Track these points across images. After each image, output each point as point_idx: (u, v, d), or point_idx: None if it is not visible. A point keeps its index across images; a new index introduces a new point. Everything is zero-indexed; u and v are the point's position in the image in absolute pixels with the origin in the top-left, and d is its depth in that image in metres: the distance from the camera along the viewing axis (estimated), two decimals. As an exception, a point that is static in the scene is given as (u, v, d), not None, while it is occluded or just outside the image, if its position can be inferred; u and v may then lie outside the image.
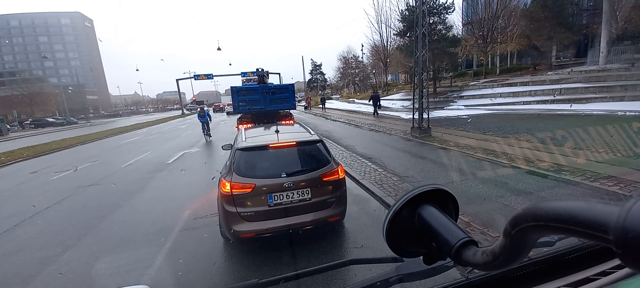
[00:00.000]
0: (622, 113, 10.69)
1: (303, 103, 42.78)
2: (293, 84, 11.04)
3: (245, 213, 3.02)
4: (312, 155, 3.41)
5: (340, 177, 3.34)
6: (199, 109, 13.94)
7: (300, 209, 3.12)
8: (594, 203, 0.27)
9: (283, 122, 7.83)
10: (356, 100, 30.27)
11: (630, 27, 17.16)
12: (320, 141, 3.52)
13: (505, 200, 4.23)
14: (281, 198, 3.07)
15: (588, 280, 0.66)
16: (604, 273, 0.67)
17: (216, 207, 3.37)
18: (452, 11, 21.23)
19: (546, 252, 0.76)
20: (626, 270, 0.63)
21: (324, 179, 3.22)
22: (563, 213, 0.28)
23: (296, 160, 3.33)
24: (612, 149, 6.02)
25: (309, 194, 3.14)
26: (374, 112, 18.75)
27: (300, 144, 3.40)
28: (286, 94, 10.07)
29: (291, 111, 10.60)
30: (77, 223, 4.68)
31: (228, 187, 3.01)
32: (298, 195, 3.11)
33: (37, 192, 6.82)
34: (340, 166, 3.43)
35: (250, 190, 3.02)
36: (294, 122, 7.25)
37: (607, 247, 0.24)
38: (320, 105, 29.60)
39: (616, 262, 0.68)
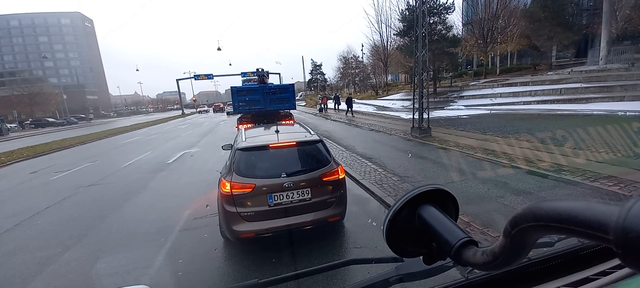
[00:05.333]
0: (623, 113, 10.68)
1: (302, 103, 42.32)
2: (293, 84, 11.00)
3: (245, 213, 3.02)
4: (312, 155, 3.41)
5: (340, 177, 3.34)
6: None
7: (300, 209, 3.12)
8: (594, 203, 0.27)
9: (283, 122, 7.83)
10: (356, 101, 30.04)
11: (630, 27, 17.18)
12: (320, 141, 3.52)
13: (505, 200, 4.23)
14: (281, 198, 3.07)
15: (588, 280, 0.66)
16: (604, 273, 0.67)
17: (216, 206, 3.38)
18: (452, 11, 21.23)
19: (546, 252, 0.76)
20: (626, 270, 0.63)
21: (324, 179, 3.22)
22: (563, 214, 0.28)
23: (296, 160, 3.33)
24: (612, 149, 6.02)
25: (309, 194, 3.14)
26: (334, 108, 24.61)
27: (300, 143, 3.40)
28: (286, 94, 10.03)
29: (292, 112, 10.60)
30: (77, 223, 4.68)
31: (228, 187, 3.01)
32: (298, 195, 3.11)
33: (37, 192, 6.83)
34: (340, 166, 3.43)
35: (250, 190, 3.02)
36: (294, 122, 7.24)
37: (607, 247, 0.24)
38: (338, 107, 23.62)
39: (616, 262, 0.68)
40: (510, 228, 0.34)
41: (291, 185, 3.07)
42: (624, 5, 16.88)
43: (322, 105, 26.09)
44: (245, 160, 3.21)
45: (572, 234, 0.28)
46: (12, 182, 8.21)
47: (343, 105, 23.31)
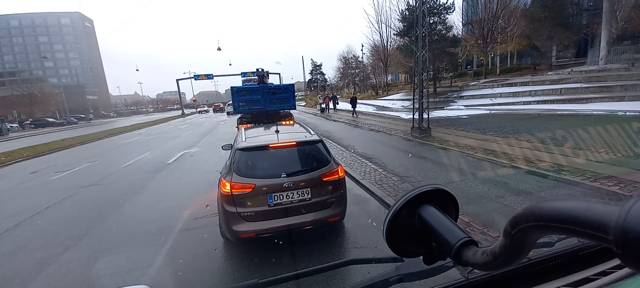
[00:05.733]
0: (622, 113, 10.69)
1: (302, 103, 42.16)
2: (293, 84, 11.02)
3: (245, 213, 3.02)
4: (312, 155, 3.41)
5: (340, 177, 3.34)
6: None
7: (300, 209, 3.12)
8: (594, 203, 0.27)
9: (283, 122, 7.83)
10: (357, 100, 29.91)
11: (630, 27, 17.18)
12: (320, 141, 3.52)
13: (505, 200, 4.23)
14: (281, 198, 3.07)
15: (588, 280, 0.66)
16: (604, 273, 0.67)
17: (216, 206, 3.38)
18: (452, 11, 21.29)
19: (546, 252, 0.76)
20: (626, 270, 0.63)
21: (323, 179, 3.22)
22: (563, 213, 0.28)
23: (296, 160, 3.33)
24: (612, 149, 6.02)
25: (309, 194, 3.14)
26: (333, 108, 24.84)
27: (300, 144, 3.40)
28: (286, 94, 10.07)
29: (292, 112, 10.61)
30: (77, 223, 4.68)
31: (228, 187, 3.01)
32: (298, 195, 3.11)
33: (38, 192, 6.83)
34: (340, 166, 3.43)
35: (250, 190, 3.02)
36: (294, 122, 7.26)
37: (607, 247, 0.24)
38: (336, 107, 23.93)
39: (616, 262, 0.68)
40: (510, 228, 0.34)
41: (291, 185, 3.07)
42: (624, 5, 16.88)
43: (325, 105, 25.09)
44: (245, 160, 3.21)
45: (572, 234, 0.28)
46: (13, 182, 8.21)
47: (340, 105, 23.84)
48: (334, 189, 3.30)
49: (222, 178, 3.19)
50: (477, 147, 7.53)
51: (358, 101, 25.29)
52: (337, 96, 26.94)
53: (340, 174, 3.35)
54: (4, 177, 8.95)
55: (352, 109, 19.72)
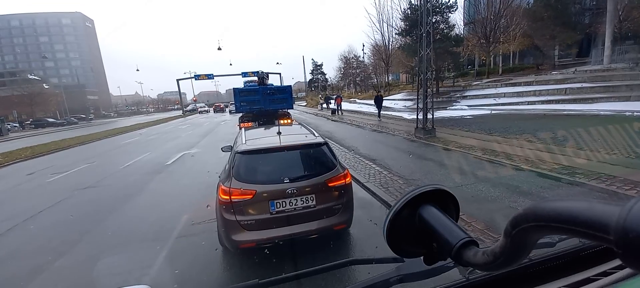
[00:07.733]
0: (630, 113, 10.50)
1: (303, 103, 41.75)
2: (290, 86, 11.92)
3: (246, 222, 2.83)
4: (317, 158, 3.21)
5: (346, 182, 3.14)
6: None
7: (304, 217, 2.93)
8: (595, 203, 0.26)
9: (284, 123, 7.92)
10: (358, 101, 29.72)
11: (634, 27, 17.00)
12: (325, 143, 3.32)
13: (518, 205, 4.05)
14: (284, 205, 2.89)
15: (589, 280, 0.66)
16: (605, 274, 0.67)
17: (214, 212, 3.21)
18: (455, 10, 21.06)
19: (547, 253, 0.76)
20: (627, 271, 0.63)
21: (329, 184, 3.03)
22: (564, 214, 0.28)
23: (299, 164, 3.14)
24: (626, 150, 5.83)
25: (314, 201, 2.95)
26: (327, 109, 23.10)
27: (303, 146, 3.22)
28: (284, 94, 10.78)
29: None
30: (71, 228, 4.52)
31: (227, 194, 2.83)
32: (302, 202, 2.92)
33: (33, 195, 6.67)
34: (346, 170, 3.23)
35: (251, 196, 2.82)
36: (293, 121, 7.22)
37: (608, 248, 0.24)
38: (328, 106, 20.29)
39: (617, 262, 0.68)
40: (510, 229, 0.34)
41: (294, 191, 2.88)
42: (628, 4, 16.70)
43: (337, 106, 22.10)
44: (246, 164, 3.02)
45: (572, 234, 0.28)
46: (9, 183, 8.06)
47: (333, 105, 22.26)
48: (340, 195, 3.09)
49: (221, 184, 2.99)
50: (484, 148, 7.34)
51: (359, 101, 24.20)
52: (329, 97, 26.15)
53: (347, 179, 3.15)
54: (1, 179, 8.79)
55: (377, 110, 16.89)
